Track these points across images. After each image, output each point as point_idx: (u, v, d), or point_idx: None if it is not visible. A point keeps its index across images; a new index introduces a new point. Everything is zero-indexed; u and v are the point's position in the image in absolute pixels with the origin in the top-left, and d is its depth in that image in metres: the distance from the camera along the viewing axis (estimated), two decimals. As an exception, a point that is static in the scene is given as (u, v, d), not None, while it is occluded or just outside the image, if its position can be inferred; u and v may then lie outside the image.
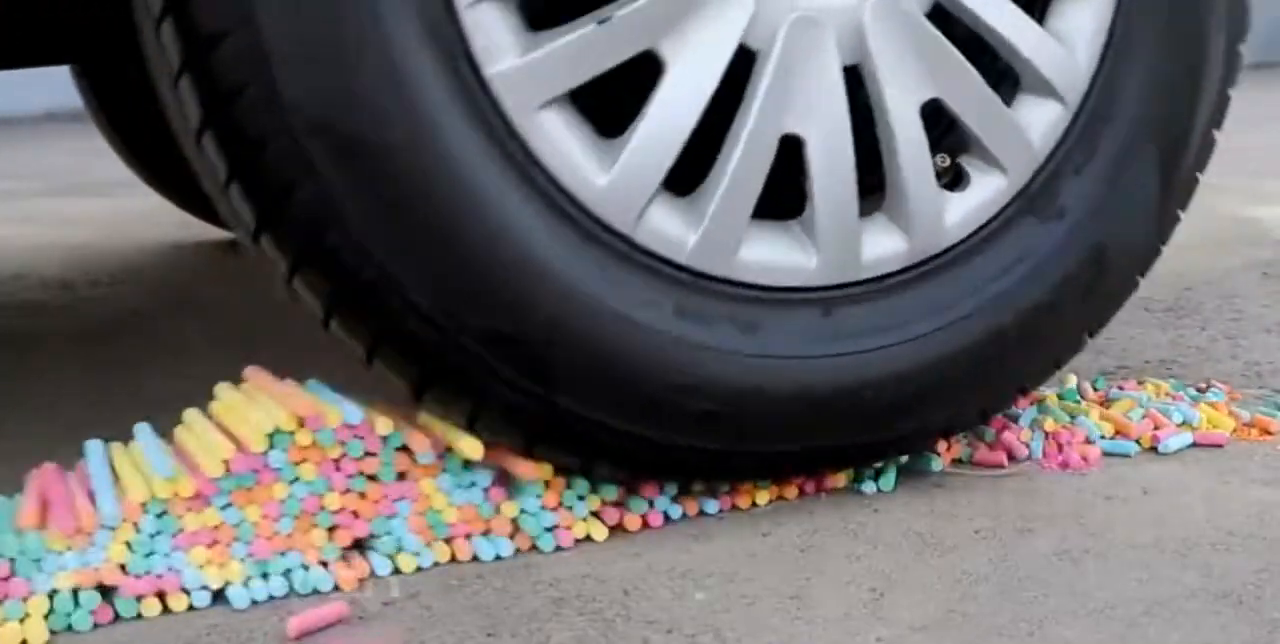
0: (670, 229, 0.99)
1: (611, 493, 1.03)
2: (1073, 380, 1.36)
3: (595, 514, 1.02)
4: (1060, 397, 1.29)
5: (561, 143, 0.96)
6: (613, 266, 0.97)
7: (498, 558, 0.98)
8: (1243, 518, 1.04)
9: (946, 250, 1.08)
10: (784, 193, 1.03)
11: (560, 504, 1.01)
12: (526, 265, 0.94)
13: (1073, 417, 1.24)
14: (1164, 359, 1.51)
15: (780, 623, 0.88)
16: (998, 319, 1.09)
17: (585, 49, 0.95)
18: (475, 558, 0.98)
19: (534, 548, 0.99)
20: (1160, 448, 1.20)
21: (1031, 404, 1.27)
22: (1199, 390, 1.35)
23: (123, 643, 0.87)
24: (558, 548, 1.00)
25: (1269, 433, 1.25)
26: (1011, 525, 1.03)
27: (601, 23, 0.95)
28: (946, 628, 0.87)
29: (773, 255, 1.03)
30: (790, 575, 0.95)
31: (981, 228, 1.09)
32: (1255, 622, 0.87)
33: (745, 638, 0.86)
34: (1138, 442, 1.21)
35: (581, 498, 1.02)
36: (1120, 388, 1.35)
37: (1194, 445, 1.21)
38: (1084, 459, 1.17)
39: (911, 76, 1.04)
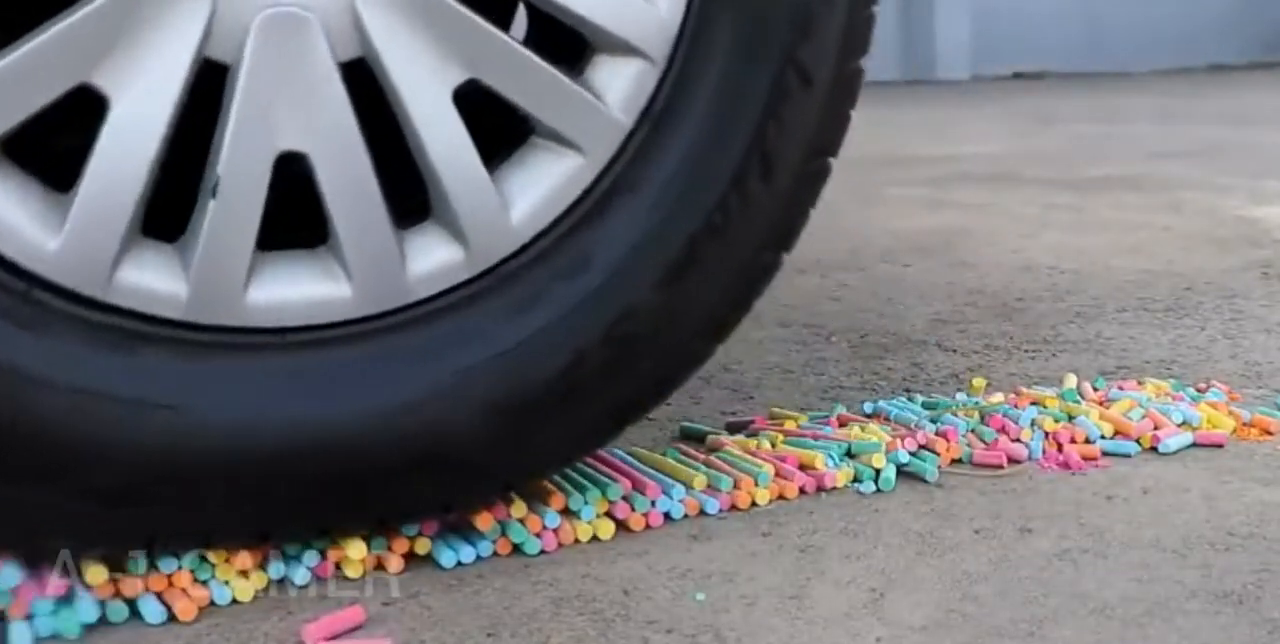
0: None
1: (615, 494, 1.03)
2: (1073, 380, 1.36)
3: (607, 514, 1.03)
4: (1060, 396, 1.29)
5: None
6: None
7: (478, 559, 0.98)
8: (1243, 518, 1.04)
9: (677, 40, 0.95)
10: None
11: (566, 508, 1.01)
12: None
13: (1072, 417, 1.24)
14: (1164, 359, 1.52)
15: (780, 623, 0.88)
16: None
17: None
18: (478, 558, 0.98)
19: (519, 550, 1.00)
20: (1160, 448, 1.20)
21: (1031, 404, 1.27)
22: (1199, 390, 1.35)
23: (124, 642, 0.87)
24: (558, 547, 1.00)
25: (1269, 433, 1.25)
26: (1011, 525, 1.04)
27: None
28: (946, 628, 0.87)
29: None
30: (790, 575, 0.95)
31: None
32: (1255, 622, 0.87)
33: (745, 638, 0.86)
34: (1138, 442, 1.21)
35: (588, 503, 1.02)
36: (1120, 388, 1.35)
37: (1194, 445, 1.22)
38: (1084, 459, 1.18)
39: None
